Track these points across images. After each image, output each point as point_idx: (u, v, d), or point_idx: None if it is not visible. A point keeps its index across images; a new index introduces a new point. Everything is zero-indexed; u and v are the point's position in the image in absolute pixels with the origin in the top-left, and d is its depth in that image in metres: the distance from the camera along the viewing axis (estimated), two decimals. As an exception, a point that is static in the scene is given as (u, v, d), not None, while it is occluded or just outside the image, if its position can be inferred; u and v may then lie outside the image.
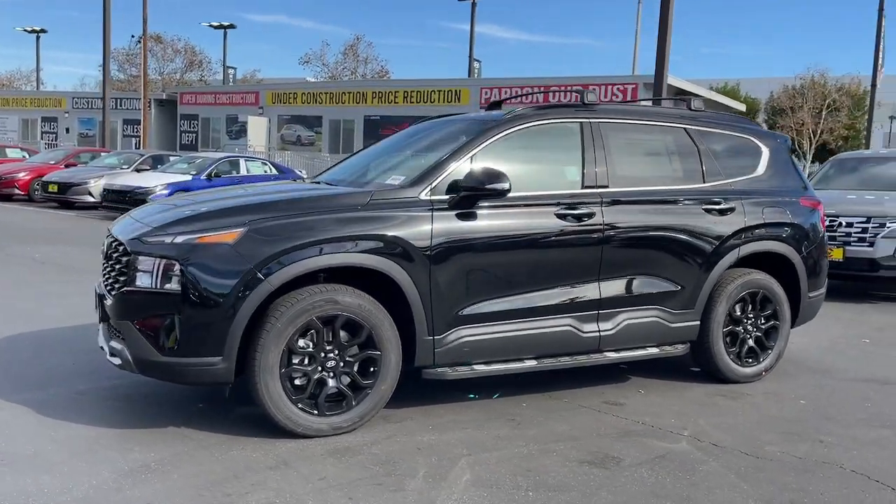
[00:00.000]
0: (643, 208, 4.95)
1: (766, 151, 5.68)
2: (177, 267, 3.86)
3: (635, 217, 4.90)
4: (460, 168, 4.44)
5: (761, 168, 5.60)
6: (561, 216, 4.64)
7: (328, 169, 5.80)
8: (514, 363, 4.59)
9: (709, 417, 4.65)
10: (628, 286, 4.89)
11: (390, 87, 27.77)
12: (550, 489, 3.54)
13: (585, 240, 4.72)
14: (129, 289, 3.97)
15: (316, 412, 4.05)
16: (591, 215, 4.72)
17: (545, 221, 4.62)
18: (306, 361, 4.06)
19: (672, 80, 22.83)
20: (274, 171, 19.12)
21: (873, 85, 28.11)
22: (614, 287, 4.84)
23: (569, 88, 22.29)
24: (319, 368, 4.07)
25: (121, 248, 4.12)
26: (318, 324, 4.01)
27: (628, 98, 22.01)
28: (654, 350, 5.07)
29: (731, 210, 5.25)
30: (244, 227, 3.96)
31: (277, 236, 3.96)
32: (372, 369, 4.16)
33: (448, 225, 4.30)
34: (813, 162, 44.22)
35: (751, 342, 5.43)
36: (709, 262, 5.15)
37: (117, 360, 4.10)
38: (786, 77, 47.28)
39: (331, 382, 4.09)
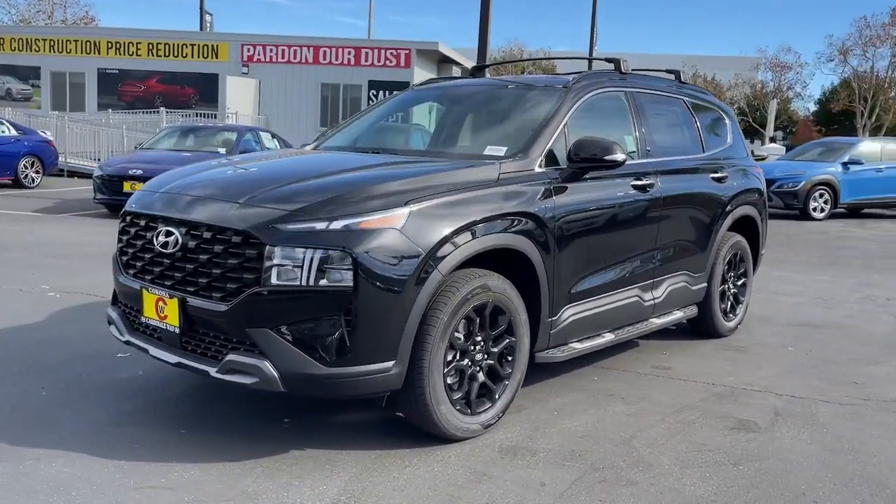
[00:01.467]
0: (680, 177, 5.14)
1: (728, 122, 6.17)
2: (344, 259, 3.18)
3: (678, 185, 5.06)
4: (556, 138, 4.22)
5: (729, 138, 6.08)
6: (637, 187, 4.65)
7: (331, 134, 5.14)
8: (597, 339, 4.53)
9: (752, 372, 5.02)
10: (672, 253, 5.06)
11: (131, 37, 24.50)
12: (747, 460, 3.60)
13: (651, 209, 4.78)
14: (265, 289, 3.19)
15: (469, 411, 3.65)
16: (652, 185, 4.78)
17: (627, 192, 4.60)
18: (457, 356, 3.62)
19: (443, 47, 23.49)
20: (13, 132, 16.22)
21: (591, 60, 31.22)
22: (664, 255, 4.98)
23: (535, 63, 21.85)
24: (469, 363, 3.66)
25: (231, 236, 3.29)
26: (472, 314, 3.60)
27: (402, 63, 22.22)
28: (679, 314, 5.32)
29: (726, 178, 5.65)
30: (405, 207, 3.38)
31: (437, 218, 3.45)
32: (509, 358, 3.85)
33: (565, 198, 4.10)
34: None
35: (731, 299, 5.94)
36: (716, 226, 5.52)
37: (248, 379, 3.28)
38: (491, 49, 51.00)
39: (480, 377, 3.71)
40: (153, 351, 3.65)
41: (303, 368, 3.21)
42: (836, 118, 48.98)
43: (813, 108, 54.87)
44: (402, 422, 3.77)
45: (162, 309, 3.53)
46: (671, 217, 4.99)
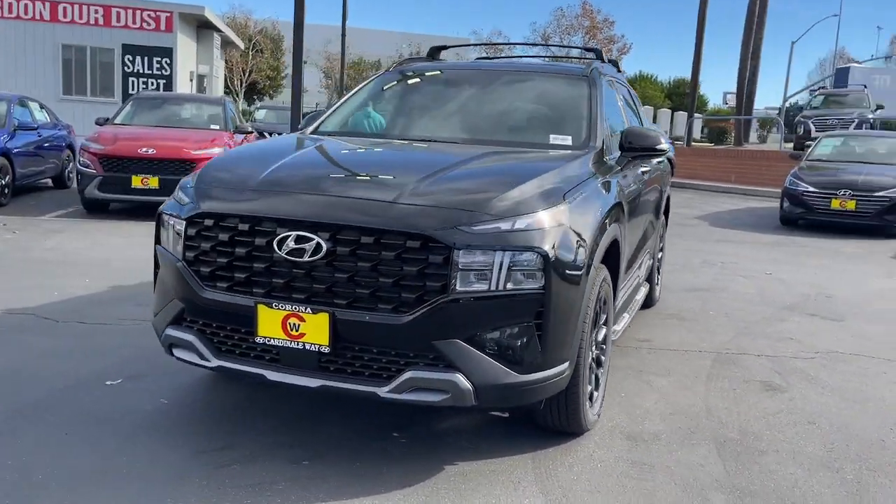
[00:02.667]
0: (648, 161, 5.46)
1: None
2: (534, 260, 3.01)
3: (651, 168, 5.39)
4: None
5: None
6: (643, 171, 4.93)
7: (335, 121, 4.69)
8: (623, 320, 4.73)
9: (714, 337, 5.60)
10: (649, 232, 5.43)
11: None
12: (805, 416, 4.08)
13: (649, 191, 5.10)
14: (454, 297, 2.91)
15: (589, 403, 3.67)
16: (647, 170, 5.10)
17: (641, 176, 4.85)
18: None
19: (209, 13, 21.63)
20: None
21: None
22: (647, 233, 5.33)
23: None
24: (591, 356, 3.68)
25: (405, 240, 2.94)
26: (597, 307, 3.62)
27: (162, 26, 20.02)
28: (644, 289, 5.73)
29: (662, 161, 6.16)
30: (565, 202, 3.28)
31: (583, 212, 3.39)
32: (603, 346, 3.92)
33: (624, 184, 4.23)
34: (245, 99, 46.67)
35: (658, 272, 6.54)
36: (661, 205, 6.02)
37: (436, 396, 2.98)
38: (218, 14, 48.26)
39: (598, 370, 3.75)
40: (273, 376, 3.14)
41: (498, 379, 3.01)
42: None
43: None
44: (495, 422, 3.68)
45: (296, 326, 3.05)
46: (650, 198, 5.35)
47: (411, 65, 5.23)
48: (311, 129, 4.66)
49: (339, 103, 4.89)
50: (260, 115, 27.54)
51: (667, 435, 3.73)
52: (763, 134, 40.57)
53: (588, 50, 5.38)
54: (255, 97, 48.48)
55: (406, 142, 4.26)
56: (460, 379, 2.95)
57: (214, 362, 3.24)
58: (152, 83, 20.25)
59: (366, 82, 5.08)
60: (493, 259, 2.95)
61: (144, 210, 10.30)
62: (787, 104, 31.21)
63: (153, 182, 9.87)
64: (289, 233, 3.05)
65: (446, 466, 3.26)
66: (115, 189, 9.97)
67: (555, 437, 3.58)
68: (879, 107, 23.31)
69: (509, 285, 2.97)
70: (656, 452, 3.52)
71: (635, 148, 4.30)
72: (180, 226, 3.32)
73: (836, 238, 11.38)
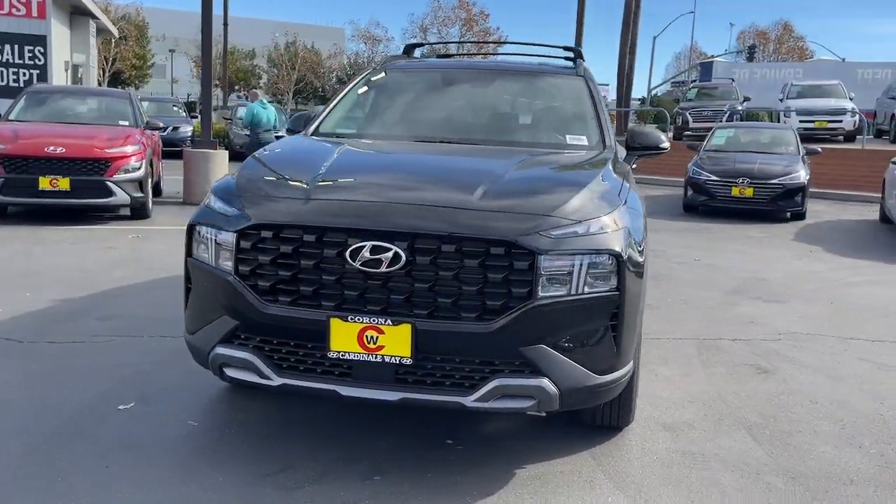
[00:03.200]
0: None
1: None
2: (609, 262, 3.05)
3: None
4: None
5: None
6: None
7: (321, 119, 4.53)
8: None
9: (684, 324, 5.87)
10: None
11: None
12: (806, 398, 4.37)
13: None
14: (539, 302, 2.92)
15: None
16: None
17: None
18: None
19: None
20: None
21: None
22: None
23: None
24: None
25: (488, 247, 2.91)
26: None
27: (34, 12, 18.38)
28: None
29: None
30: (624, 204, 3.34)
31: (634, 213, 3.47)
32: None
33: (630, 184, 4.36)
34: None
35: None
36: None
37: (523, 403, 2.97)
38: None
39: (636, 364, 3.87)
40: (347, 391, 3.03)
41: (581, 382, 3.03)
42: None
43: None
44: (534, 421, 3.73)
45: (374, 339, 2.95)
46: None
47: (400, 62, 5.14)
48: (311, 129, 4.50)
49: (333, 103, 4.73)
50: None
51: (698, 423, 3.89)
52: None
53: (567, 49, 5.47)
54: (121, 88, 45.91)
55: (434, 144, 4.18)
56: (547, 384, 2.95)
57: (277, 381, 3.08)
58: (24, 74, 18.72)
59: (357, 81, 4.95)
60: (572, 263, 2.97)
61: (51, 213, 9.58)
62: (651, 95, 32.93)
63: (63, 183, 9.12)
64: (363, 243, 2.94)
65: (516, 470, 3.27)
66: (20, 192, 9.16)
67: (597, 432, 3.66)
68: (746, 98, 25.00)
69: (586, 288, 3.00)
70: (698, 441, 3.67)
71: (640, 147, 4.43)
72: (229, 238, 3.13)
73: (738, 223, 12.15)
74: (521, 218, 3.02)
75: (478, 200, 3.10)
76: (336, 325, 2.96)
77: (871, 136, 22.22)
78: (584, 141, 4.25)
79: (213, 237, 3.20)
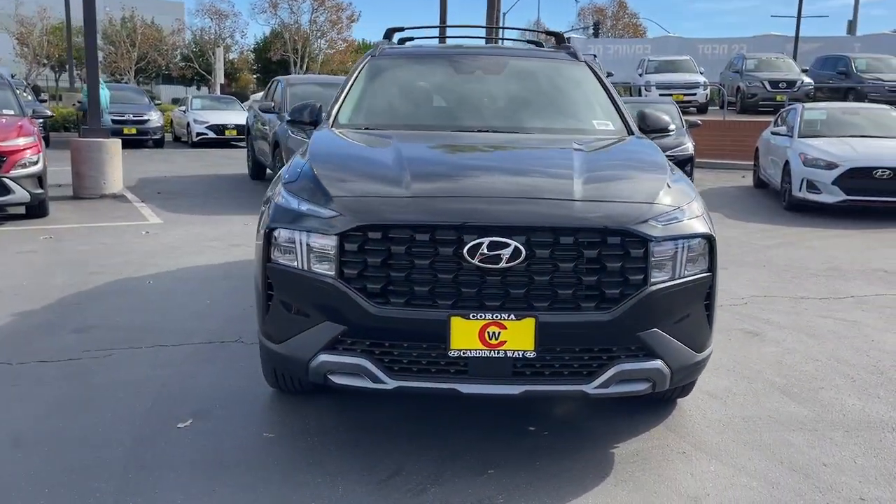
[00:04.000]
0: None
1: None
2: (703, 246, 3.20)
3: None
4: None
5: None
6: None
7: (336, 110, 4.38)
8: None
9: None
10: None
11: None
12: (811, 357, 4.78)
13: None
14: (653, 288, 3.02)
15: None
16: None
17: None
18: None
19: None
20: None
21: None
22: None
23: None
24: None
25: (606, 237, 2.97)
26: None
27: None
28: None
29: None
30: (696, 190, 3.50)
31: (699, 197, 3.62)
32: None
33: None
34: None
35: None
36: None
37: (641, 385, 3.07)
38: None
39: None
40: (467, 388, 3.00)
41: (687, 361, 3.18)
42: (273, 66, 52.67)
43: (252, 56, 57.59)
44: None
45: (495, 335, 2.94)
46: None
47: (400, 48, 5.02)
48: (331, 121, 4.33)
49: (343, 94, 4.56)
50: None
51: (735, 388, 4.16)
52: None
53: (550, 34, 5.56)
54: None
55: (479, 134, 4.15)
56: (661, 366, 3.07)
57: (392, 384, 3.00)
58: None
59: (359, 67, 4.78)
60: (675, 248, 3.09)
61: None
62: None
63: (-49, 182, 8.20)
64: (481, 239, 2.91)
65: (612, 451, 3.37)
66: None
67: (659, 406, 3.83)
68: (609, 73, 26.23)
69: (686, 272, 3.14)
70: (747, 405, 3.93)
71: (651, 130, 4.61)
72: (329, 242, 2.99)
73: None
74: (632, 207, 3.10)
75: (582, 190, 3.15)
76: (457, 323, 2.92)
77: (717, 108, 24.03)
78: (610, 126, 4.37)
79: (305, 241, 3.05)
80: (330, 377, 3.06)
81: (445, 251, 2.93)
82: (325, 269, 3.01)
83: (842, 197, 10.18)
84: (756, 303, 5.98)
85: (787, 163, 11.12)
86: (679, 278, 3.10)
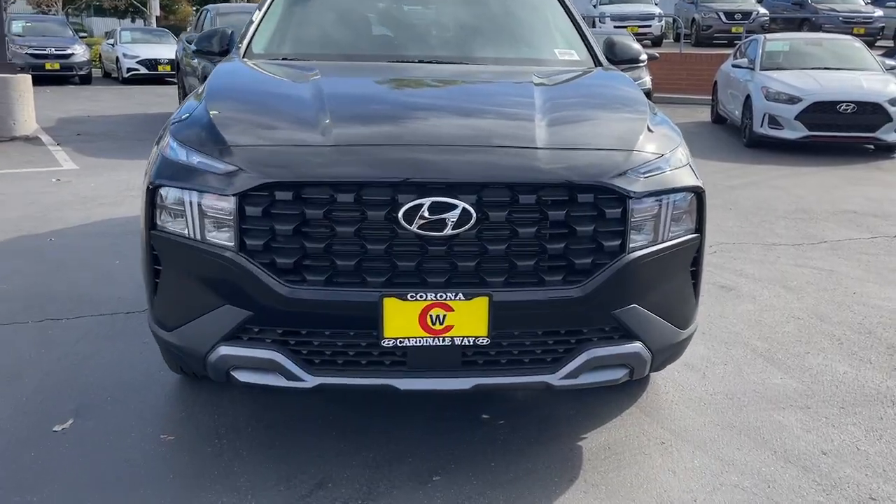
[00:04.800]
0: None
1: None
2: (690, 202, 2.64)
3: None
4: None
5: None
6: None
7: (249, 38, 3.66)
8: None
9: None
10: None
11: None
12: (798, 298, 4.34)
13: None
14: (633, 255, 2.46)
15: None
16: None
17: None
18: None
19: None
20: None
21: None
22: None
23: None
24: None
25: (575, 194, 2.39)
26: None
27: None
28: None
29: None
30: (679, 133, 2.93)
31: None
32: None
33: None
34: None
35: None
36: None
37: (616, 374, 2.54)
38: None
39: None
40: (406, 384, 2.43)
41: (670, 340, 2.65)
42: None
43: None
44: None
45: (440, 319, 2.36)
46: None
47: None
48: (243, 51, 3.60)
49: (258, 18, 3.81)
50: None
51: (713, 357, 3.67)
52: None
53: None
54: None
55: (419, 65, 3.45)
56: (641, 349, 2.54)
57: (311, 381, 2.41)
58: None
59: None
60: (659, 205, 2.53)
61: None
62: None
63: None
64: (419, 200, 2.30)
65: (580, 443, 2.87)
66: None
67: (627, 383, 3.33)
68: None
69: (670, 234, 2.58)
70: (729, 378, 3.45)
71: (620, 61, 3.99)
72: (225, 204, 2.35)
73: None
74: (607, 156, 2.52)
75: (547, 136, 2.54)
76: (392, 305, 2.33)
77: (671, 41, 23.43)
78: (574, 56, 3.74)
79: (196, 202, 2.40)
80: (233, 374, 2.46)
81: (375, 215, 2.32)
82: (223, 240, 2.38)
83: (804, 133, 9.76)
84: (726, 251, 5.52)
85: (748, 97, 10.63)
86: (662, 242, 2.54)
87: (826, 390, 3.35)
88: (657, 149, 2.62)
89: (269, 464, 2.67)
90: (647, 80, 12.59)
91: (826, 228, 6.22)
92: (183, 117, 2.75)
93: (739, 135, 11.03)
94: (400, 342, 2.37)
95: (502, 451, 2.78)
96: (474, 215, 2.31)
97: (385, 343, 2.36)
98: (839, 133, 9.75)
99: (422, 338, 2.37)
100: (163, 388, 3.20)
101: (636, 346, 2.53)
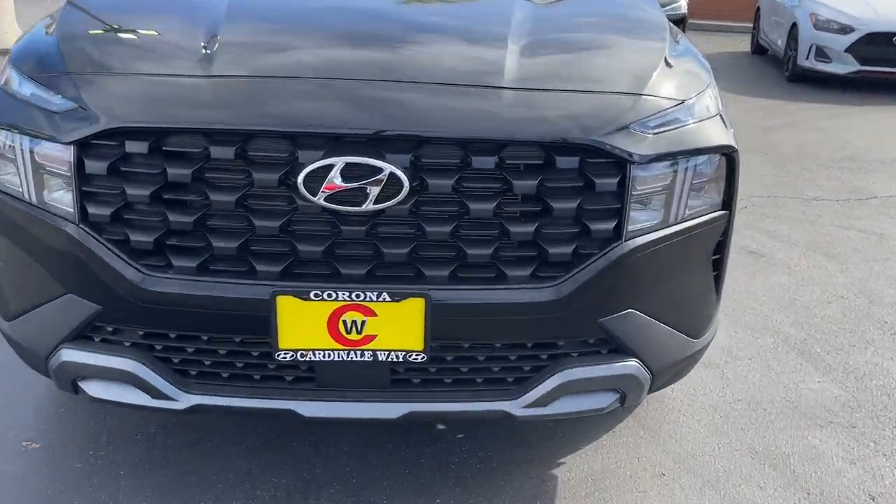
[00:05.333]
0: None
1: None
2: (717, 167, 1.92)
3: None
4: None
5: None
6: None
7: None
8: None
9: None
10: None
11: None
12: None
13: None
14: (632, 242, 1.76)
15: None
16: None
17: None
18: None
19: None
20: None
21: None
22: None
23: None
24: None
25: (554, 156, 1.68)
26: None
27: None
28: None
29: None
30: (710, 72, 2.18)
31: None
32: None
33: None
34: None
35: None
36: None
37: (602, 402, 1.88)
38: None
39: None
40: (312, 409, 1.80)
41: (679, 354, 1.98)
42: None
43: None
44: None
45: (357, 326, 1.70)
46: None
47: None
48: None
49: None
50: None
51: (736, 348, 3.00)
52: None
53: None
54: None
55: None
56: (637, 368, 1.86)
57: (185, 400, 1.78)
58: None
59: None
60: (674, 171, 1.81)
61: None
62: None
63: None
64: (329, 160, 1.61)
65: (555, 470, 2.24)
66: None
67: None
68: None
69: (689, 211, 1.87)
70: (757, 381, 2.79)
71: None
72: (61, 154, 1.68)
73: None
74: (602, 101, 1.79)
75: (519, 69, 1.81)
76: (288, 306, 1.67)
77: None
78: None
79: (28, 149, 1.74)
80: (82, 386, 1.83)
81: (265, 179, 1.64)
82: (63, 204, 1.71)
83: (855, 67, 8.76)
84: (759, 206, 4.76)
85: (793, 25, 9.57)
86: (676, 223, 1.84)
87: (875, 401, 2.68)
88: (676, 92, 1.89)
89: (154, 493, 2.07)
90: (681, 2, 11.49)
91: (876, 181, 5.41)
92: (34, 32, 2.05)
93: (781, 67, 10.02)
94: (302, 355, 1.72)
95: (458, 481, 2.16)
96: (407, 184, 1.62)
97: (281, 356, 1.71)
98: (894, 69, 8.75)
99: (332, 350, 1.72)
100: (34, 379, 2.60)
101: (631, 364, 1.86)
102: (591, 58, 2.01)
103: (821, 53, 9.01)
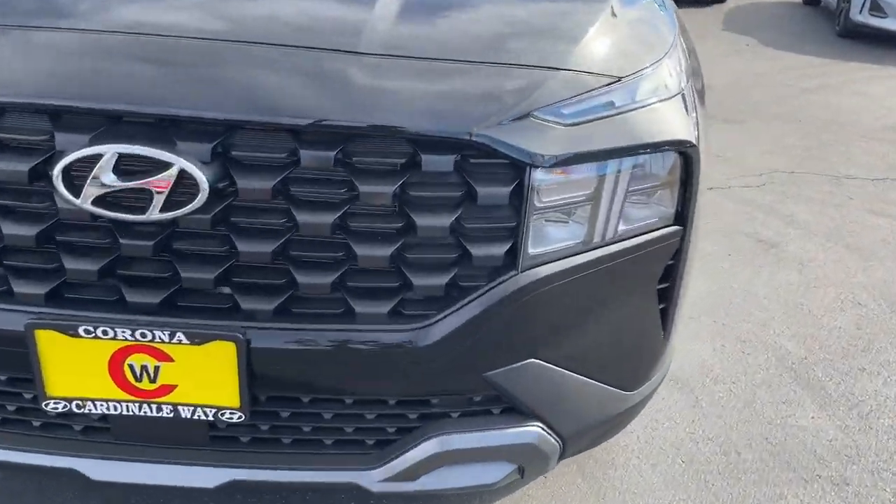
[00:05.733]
0: None
1: None
2: (672, 167, 1.42)
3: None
4: None
5: None
6: None
7: None
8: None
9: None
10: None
11: None
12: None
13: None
14: (532, 271, 1.28)
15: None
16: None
17: None
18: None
19: None
20: None
21: None
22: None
23: None
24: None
25: (431, 155, 1.21)
26: None
27: None
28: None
29: None
30: (675, 35, 1.65)
31: (682, 49, 1.79)
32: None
33: None
34: None
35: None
36: None
37: (494, 475, 1.44)
38: None
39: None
40: (104, 471, 1.38)
41: (600, 413, 1.51)
42: None
43: None
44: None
45: (149, 373, 1.26)
46: None
47: None
48: None
49: None
50: None
51: (719, 367, 2.51)
52: None
53: None
54: None
55: None
56: (539, 435, 1.40)
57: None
58: None
59: None
60: (601, 175, 1.32)
61: None
62: None
63: None
64: (95, 149, 1.15)
65: None
66: None
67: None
68: None
69: (624, 226, 1.38)
70: (736, 414, 2.31)
71: None
72: None
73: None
74: (493, 78, 1.28)
75: (386, 31, 1.32)
76: (52, 343, 1.23)
77: None
78: None
79: None
80: None
81: (12, 171, 1.18)
82: None
83: (914, 24, 7.96)
84: (780, 184, 4.19)
85: (848, -26, 8.73)
86: (604, 244, 1.35)
87: (879, 448, 2.19)
88: (615, 63, 1.38)
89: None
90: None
91: (920, 158, 4.79)
92: None
93: (833, 21, 9.20)
94: (78, 406, 1.29)
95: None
96: (206, 185, 1.16)
97: (50, 406, 1.29)
98: (957, 27, 7.92)
99: (120, 402, 1.29)
100: None
101: (530, 430, 1.40)
102: (499, 15, 1.49)
103: (876, 7, 8.18)
